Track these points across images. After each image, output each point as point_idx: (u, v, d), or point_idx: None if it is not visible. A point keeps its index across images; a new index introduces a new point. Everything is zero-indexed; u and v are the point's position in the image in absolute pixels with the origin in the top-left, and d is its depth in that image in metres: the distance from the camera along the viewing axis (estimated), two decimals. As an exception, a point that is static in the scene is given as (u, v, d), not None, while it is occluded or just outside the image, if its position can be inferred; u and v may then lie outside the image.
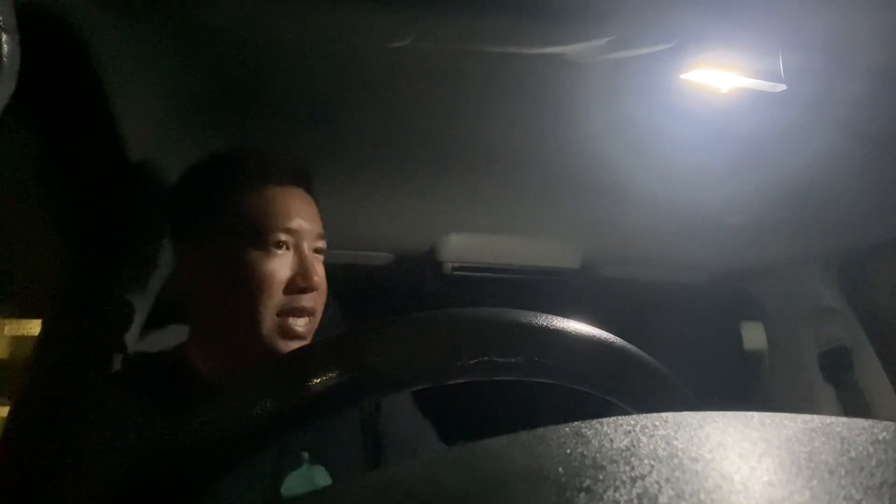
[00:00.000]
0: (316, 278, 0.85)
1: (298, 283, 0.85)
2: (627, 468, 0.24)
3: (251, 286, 0.83)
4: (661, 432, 0.27)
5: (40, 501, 0.77)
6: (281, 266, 0.84)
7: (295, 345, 0.84)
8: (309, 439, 0.88)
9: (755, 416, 0.30)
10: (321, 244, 0.90)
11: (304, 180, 0.92)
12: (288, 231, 0.85)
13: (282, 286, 0.84)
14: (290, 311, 0.84)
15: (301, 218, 0.87)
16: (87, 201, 1.04)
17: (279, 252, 0.85)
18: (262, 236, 0.84)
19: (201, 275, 0.87)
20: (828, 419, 0.29)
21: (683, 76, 0.81)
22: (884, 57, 0.81)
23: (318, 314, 0.88)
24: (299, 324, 0.85)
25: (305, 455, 0.87)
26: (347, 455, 0.92)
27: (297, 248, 0.86)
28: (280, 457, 0.86)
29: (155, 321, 1.29)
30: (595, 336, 0.46)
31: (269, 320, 0.83)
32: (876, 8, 0.74)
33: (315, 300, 0.86)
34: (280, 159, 0.92)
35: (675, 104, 0.93)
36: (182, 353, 0.89)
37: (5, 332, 1.67)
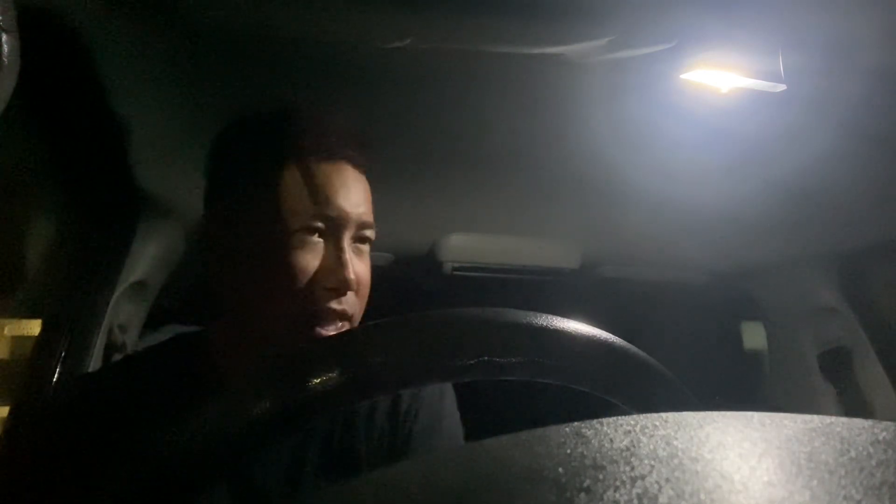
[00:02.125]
0: (351, 277, 0.70)
1: (328, 283, 0.70)
2: (627, 468, 0.24)
3: (276, 281, 0.70)
4: (661, 432, 0.27)
5: (40, 501, 0.77)
6: (310, 258, 0.70)
7: None
8: (330, 464, 0.79)
9: (755, 416, 0.30)
10: (368, 233, 0.75)
11: (355, 153, 0.76)
12: (322, 217, 0.71)
13: (308, 281, 0.70)
14: (321, 316, 0.70)
15: (342, 202, 0.72)
16: (88, 200, 1.04)
17: (310, 241, 0.71)
18: (291, 221, 0.70)
19: (225, 263, 0.76)
20: (828, 419, 0.29)
21: (683, 76, 0.81)
22: (884, 57, 0.81)
23: (357, 314, 0.74)
24: (331, 329, 0.71)
25: (324, 482, 0.79)
26: None
27: (333, 238, 0.72)
28: (297, 481, 0.77)
29: (156, 321, 1.29)
30: (595, 336, 0.46)
31: (297, 324, 0.70)
32: (876, 8, 0.74)
33: (350, 303, 0.72)
34: (323, 125, 0.77)
35: (675, 104, 0.93)
36: (198, 343, 0.81)
37: (5, 332, 1.67)
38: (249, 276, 0.73)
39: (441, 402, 0.86)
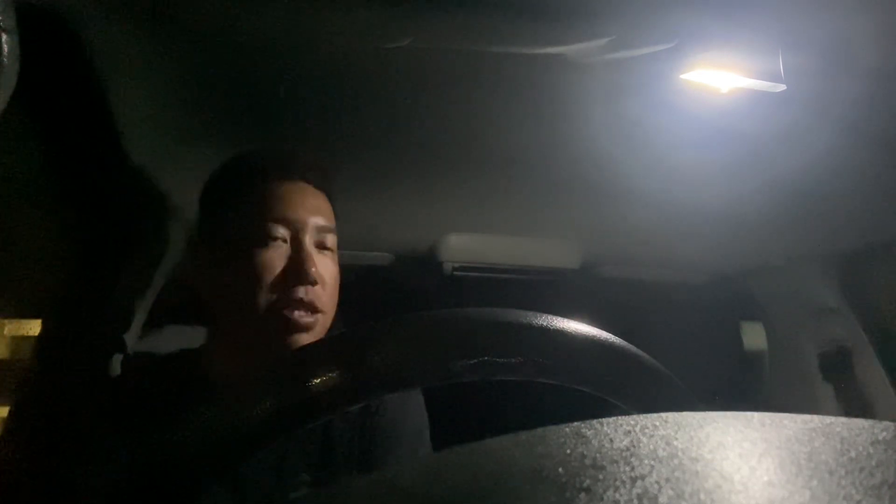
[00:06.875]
0: (313, 269, 0.82)
1: (293, 276, 0.82)
2: (627, 468, 0.24)
3: (247, 279, 0.82)
4: (661, 432, 0.27)
5: (39, 501, 0.77)
6: (276, 258, 0.82)
7: (300, 338, 0.82)
8: (309, 459, 0.86)
9: (755, 416, 0.30)
10: (329, 239, 0.87)
11: (314, 176, 0.90)
12: (283, 222, 0.83)
13: (275, 277, 0.82)
14: (289, 303, 0.81)
15: (300, 210, 0.85)
16: (88, 201, 1.04)
17: (274, 244, 0.83)
18: (257, 228, 0.83)
19: (208, 275, 0.87)
20: (828, 419, 0.29)
21: (683, 76, 0.81)
22: (884, 57, 0.81)
23: (327, 309, 0.85)
24: (301, 316, 0.82)
25: (305, 477, 0.86)
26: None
27: (295, 241, 0.84)
28: (279, 477, 0.84)
29: (156, 321, 1.29)
30: (595, 336, 0.46)
31: (268, 314, 0.81)
32: (876, 8, 0.74)
33: (317, 295, 0.83)
34: (287, 156, 0.90)
35: (675, 104, 0.93)
36: (193, 355, 0.89)
37: (5, 332, 1.67)
38: (231, 277, 0.84)
39: (408, 397, 0.95)
